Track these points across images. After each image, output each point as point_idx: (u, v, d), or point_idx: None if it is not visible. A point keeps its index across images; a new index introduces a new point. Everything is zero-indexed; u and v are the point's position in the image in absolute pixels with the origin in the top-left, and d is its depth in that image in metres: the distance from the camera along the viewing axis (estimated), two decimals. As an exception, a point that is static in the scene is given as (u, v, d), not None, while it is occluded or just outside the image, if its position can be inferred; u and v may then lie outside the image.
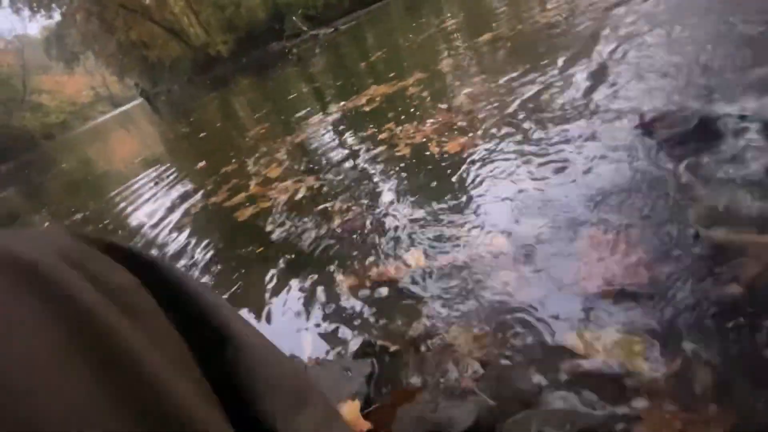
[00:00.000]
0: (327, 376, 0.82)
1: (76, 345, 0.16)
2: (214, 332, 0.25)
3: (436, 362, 0.77)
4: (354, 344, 0.90)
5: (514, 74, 2.13)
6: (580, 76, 1.76)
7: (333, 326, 0.99)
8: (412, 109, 2.31)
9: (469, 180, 1.35)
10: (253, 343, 0.26)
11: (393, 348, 0.84)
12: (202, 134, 4.97)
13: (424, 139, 1.82)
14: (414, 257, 1.09)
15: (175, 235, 2.03)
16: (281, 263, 1.34)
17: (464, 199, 1.26)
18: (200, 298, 0.25)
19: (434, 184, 1.42)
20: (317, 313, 1.06)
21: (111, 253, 0.23)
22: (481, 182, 1.31)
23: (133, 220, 2.66)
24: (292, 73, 7.14)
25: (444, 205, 1.27)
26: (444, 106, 2.15)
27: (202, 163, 3.28)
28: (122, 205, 3.13)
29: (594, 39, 2.14)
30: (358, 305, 1.02)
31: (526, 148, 1.39)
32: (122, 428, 0.15)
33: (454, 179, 1.39)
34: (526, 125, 1.55)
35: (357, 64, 5.03)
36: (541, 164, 1.26)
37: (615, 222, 0.92)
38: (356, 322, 0.97)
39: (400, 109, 2.42)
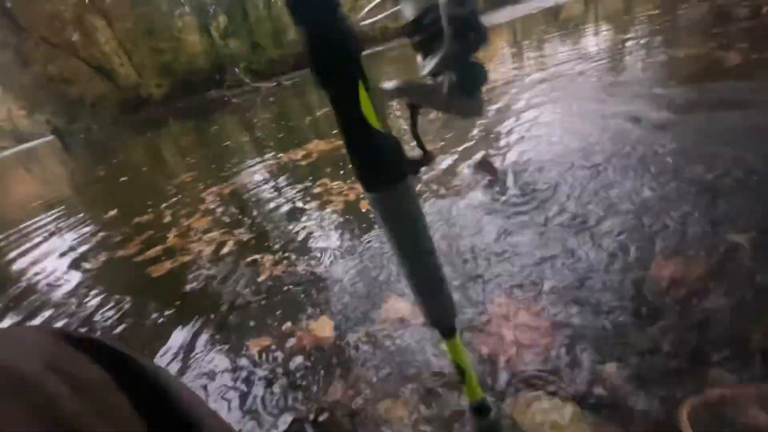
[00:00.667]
0: None
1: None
2: (179, 421, 0.25)
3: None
4: (282, 423, 0.81)
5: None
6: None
7: (257, 400, 0.88)
8: (349, 166, 2.35)
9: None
10: (216, 428, 0.27)
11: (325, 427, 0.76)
12: (121, 178, 4.56)
13: (355, 197, 1.84)
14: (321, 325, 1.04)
15: (72, 291, 1.74)
16: (197, 325, 1.20)
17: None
18: (168, 387, 0.26)
19: (364, 239, 1.42)
20: (238, 384, 0.94)
21: (86, 348, 0.24)
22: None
23: (18, 271, 2.25)
24: (230, 122, 7.04)
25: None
26: None
27: (113, 212, 2.97)
28: (6, 251, 2.66)
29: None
30: (281, 373, 0.92)
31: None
32: None
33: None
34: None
35: (296, 119, 5.12)
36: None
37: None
38: (282, 394, 0.87)
39: (334, 166, 2.47)
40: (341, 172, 2.27)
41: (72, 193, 4.77)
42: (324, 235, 1.56)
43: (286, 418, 0.81)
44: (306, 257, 1.43)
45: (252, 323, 1.14)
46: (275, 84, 13.19)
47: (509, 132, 2.09)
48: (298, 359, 0.96)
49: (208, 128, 6.96)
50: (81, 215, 3.15)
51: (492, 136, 2.12)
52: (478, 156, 1.72)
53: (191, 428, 0.25)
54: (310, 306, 1.14)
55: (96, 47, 20.83)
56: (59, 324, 1.48)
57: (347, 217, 1.67)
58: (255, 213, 2.09)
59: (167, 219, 2.38)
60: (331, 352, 0.95)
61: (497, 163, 1.70)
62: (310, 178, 2.34)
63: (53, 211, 3.55)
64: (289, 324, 1.09)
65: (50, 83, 21.04)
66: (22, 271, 2.22)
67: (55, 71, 20.58)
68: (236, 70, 17.34)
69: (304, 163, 2.75)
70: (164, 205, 2.68)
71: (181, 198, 2.76)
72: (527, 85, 3.01)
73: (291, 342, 1.02)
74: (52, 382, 0.19)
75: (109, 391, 0.23)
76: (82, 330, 1.39)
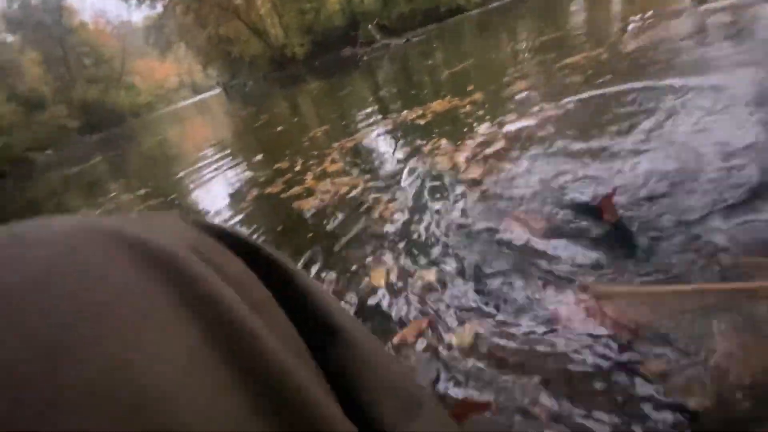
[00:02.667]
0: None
1: (218, 348, 0.15)
2: (322, 326, 0.23)
3: (508, 381, 0.75)
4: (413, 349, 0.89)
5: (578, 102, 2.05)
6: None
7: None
8: (464, 128, 2.30)
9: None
10: (362, 341, 0.24)
11: (458, 360, 0.82)
12: (265, 127, 5.27)
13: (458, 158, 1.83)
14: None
15: (230, 216, 2.17)
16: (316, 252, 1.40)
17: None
18: (308, 289, 0.24)
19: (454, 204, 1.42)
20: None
21: (224, 240, 0.22)
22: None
23: (195, 199, 2.88)
24: (359, 79, 7.38)
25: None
26: (486, 130, 2.13)
27: (259, 156, 3.48)
28: (187, 183, 3.40)
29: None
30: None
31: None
32: None
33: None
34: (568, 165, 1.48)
35: (422, 77, 5.09)
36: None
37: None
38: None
39: (448, 126, 2.44)
40: (451, 134, 2.25)
41: (231, 138, 5.74)
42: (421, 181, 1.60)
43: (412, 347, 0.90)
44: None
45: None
46: (405, 40, 13.15)
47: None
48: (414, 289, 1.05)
49: (339, 85, 7.43)
50: (238, 158, 3.80)
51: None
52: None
53: (335, 334, 0.23)
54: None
55: (254, 10, 23.54)
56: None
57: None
58: (376, 163, 2.25)
59: (303, 165, 2.72)
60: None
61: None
62: (426, 136, 2.38)
63: (218, 153, 4.34)
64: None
65: (220, 42, 24.79)
66: (195, 197, 2.83)
67: (224, 32, 24.07)
68: (369, 27, 17.76)
69: (421, 122, 2.78)
70: (301, 153, 3.04)
71: (314, 148, 3.08)
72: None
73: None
74: (194, 262, 0.18)
75: (254, 286, 0.21)
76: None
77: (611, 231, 1.04)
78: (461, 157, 1.88)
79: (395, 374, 0.24)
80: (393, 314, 1.01)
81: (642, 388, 0.65)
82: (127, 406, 0.12)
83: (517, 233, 1.14)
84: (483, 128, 2.19)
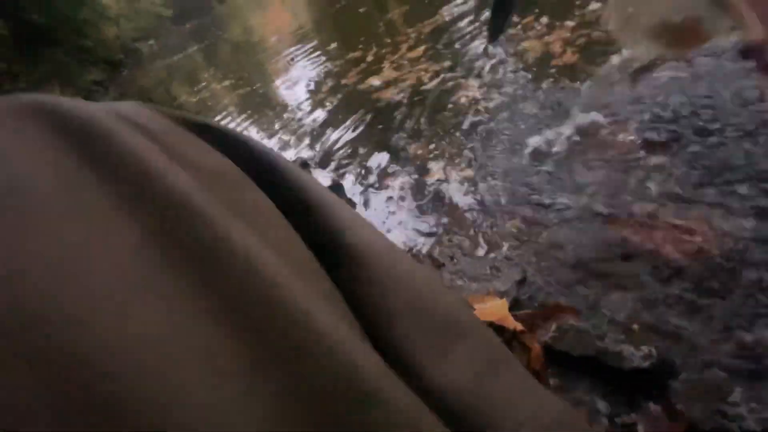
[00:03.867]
0: (473, 267, 0.82)
1: (161, 240, 0.12)
2: (328, 236, 0.18)
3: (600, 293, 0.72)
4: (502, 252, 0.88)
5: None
6: None
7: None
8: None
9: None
10: (381, 255, 0.19)
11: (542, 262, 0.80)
12: (343, 5, 4.95)
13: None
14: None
15: (309, 106, 2.24)
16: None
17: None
18: (311, 191, 0.19)
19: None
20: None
21: (201, 133, 0.18)
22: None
23: (278, 90, 2.98)
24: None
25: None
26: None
27: (335, 44, 3.35)
28: (269, 72, 3.48)
29: None
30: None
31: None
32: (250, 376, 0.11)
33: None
34: None
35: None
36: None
37: None
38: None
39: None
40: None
41: (311, 23, 5.53)
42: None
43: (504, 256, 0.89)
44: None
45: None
46: None
47: None
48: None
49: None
50: (318, 46, 3.71)
51: None
52: None
53: (346, 249, 0.18)
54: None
55: None
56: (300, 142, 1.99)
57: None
58: (457, 46, 2.07)
59: (377, 53, 2.58)
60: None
61: None
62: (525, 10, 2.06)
63: (298, 41, 4.28)
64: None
65: None
66: (283, 91, 2.91)
67: None
68: None
69: None
70: (378, 38, 2.86)
71: (392, 32, 2.87)
72: None
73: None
74: (131, 134, 0.14)
75: (240, 184, 0.17)
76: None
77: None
78: (557, 42, 1.62)
79: (430, 298, 0.19)
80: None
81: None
82: (49, 330, 0.09)
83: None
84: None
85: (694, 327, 0.62)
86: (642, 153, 0.90)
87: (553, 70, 1.44)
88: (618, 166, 0.91)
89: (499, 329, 0.69)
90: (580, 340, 0.67)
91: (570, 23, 1.70)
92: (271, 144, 2.04)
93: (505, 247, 0.88)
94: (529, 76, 1.49)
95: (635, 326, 0.66)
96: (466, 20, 2.40)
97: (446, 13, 2.71)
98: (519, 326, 0.68)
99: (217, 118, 2.87)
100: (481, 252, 0.88)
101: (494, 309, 0.72)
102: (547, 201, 0.92)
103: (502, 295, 0.76)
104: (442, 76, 1.83)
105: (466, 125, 1.37)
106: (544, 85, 1.38)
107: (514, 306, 0.75)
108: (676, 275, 0.68)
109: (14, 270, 0.10)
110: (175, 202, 0.12)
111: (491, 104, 1.41)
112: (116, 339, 0.10)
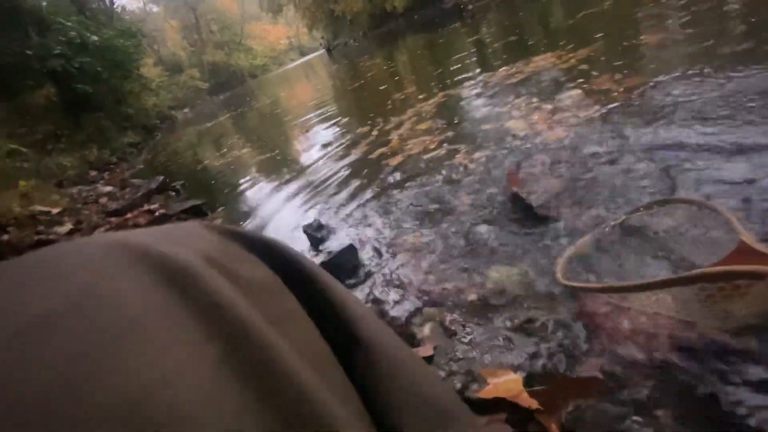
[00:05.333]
0: (483, 338, 0.80)
1: (236, 366, 0.15)
2: (348, 336, 0.22)
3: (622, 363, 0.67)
4: (509, 316, 0.86)
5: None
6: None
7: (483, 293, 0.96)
8: (560, 87, 2.06)
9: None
10: (389, 351, 0.22)
11: (558, 332, 0.77)
12: (359, 85, 5.38)
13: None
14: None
15: (326, 172, 2.35)
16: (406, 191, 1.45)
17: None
18: (335, 295, 0.23)
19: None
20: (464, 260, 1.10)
21: (247, 244, 0.23)
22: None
23: (298, 154, 3.15)
24: (460, 33, 6.97)
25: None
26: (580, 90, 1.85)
27: (351, 117, 3.59)
28: (289, 139, 3.71)
29: None
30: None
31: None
32: None
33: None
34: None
35: (531, 29, 4.60)
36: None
37: None
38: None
39: (545, 84, 2.22)
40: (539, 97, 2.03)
41: (330, 98, 6.01)
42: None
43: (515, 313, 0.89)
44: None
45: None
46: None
47: None
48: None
49: (437, 41, 7.12)
50: (336, 117, 3.99)
51: None
52: None
53: (360, 345, 0.22)
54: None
55: (358, -36, 23.31)
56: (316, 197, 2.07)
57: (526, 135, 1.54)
58: (464, 123, 2.20)
59: (388, 124, 2.77)
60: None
61: None
62: (518, 95, 2.21)
63: (317, 112, 4.61)
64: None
65: (324, 3, 25.37)
66: (294, 152, 3.09)
67: (328, -9, 24.48)
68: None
69: (515, 80, 2.57)
70: (388, 113, 3.07)
71: (405, 108, 3.08)
72: None
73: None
74: (213, 276, 0.18)
75: (277, 293, 0.21)
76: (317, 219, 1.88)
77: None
78: (542, 120, 1.73)
79: (426, 387, 0.22)
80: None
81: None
82: (148, 426, 0.13)
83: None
84: (578, 91, 1.95)
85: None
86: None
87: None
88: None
89: (513, 407, 0.65)
90: (602, 421, 0.62)
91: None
92: (289, 203, 2.11)
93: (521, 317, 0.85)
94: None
95: (660, 412, 0.61)
96: (473, 97, 2.58)
97: (456, 90, 2.93)
98: (535, 404, 0.64)
99: (240, 179, 3.02)
100: (495, 321, 0.85)
101: (508, 385, 0.68)
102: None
103: (516, 369, 0.72)
104: (444, 148, 1.93)
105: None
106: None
107: (529, 381, 0.71)
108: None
109: (141, 386, 0.14)
110: (242, 332, 0.16)
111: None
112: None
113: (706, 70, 1.59)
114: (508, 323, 0.84)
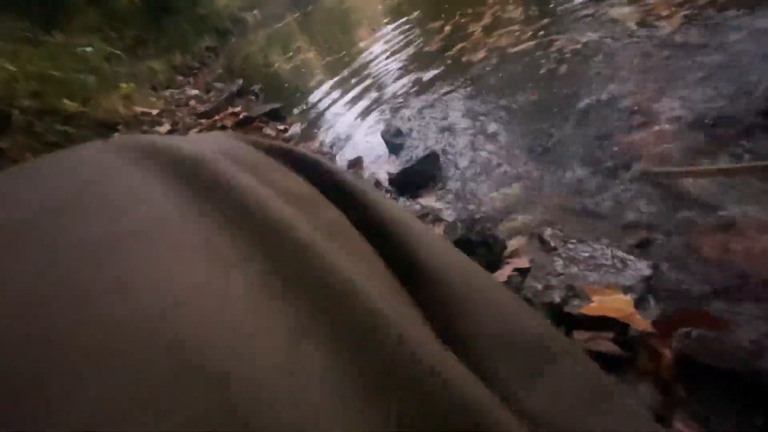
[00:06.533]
0: (587, 255, 0.73)
1: (282, 279, 0.13)
2: (408, 264, 0.18)
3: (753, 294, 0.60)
4: (628, 232, 0.79)
5: None
6: None
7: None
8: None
9: None
10: (460, 281, 0.18)
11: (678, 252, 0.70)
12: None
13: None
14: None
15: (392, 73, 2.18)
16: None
17: None
18: (390, 218, 0.19)
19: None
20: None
21: (284, 157, 0.20)
22: None
23: (368, 55, 2.95)
24: None
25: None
26: None
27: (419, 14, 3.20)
28: (362, 39, 3.47)
29: None
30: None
31: None
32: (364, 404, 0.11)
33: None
34: None
35: None
36: None
37: None
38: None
39: None
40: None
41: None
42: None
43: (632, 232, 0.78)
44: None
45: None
46: None
47: None
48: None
49: None
50: (409, 10, 3.59)
51: None
52: None
53: (424, 273, 0.17)
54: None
55: None
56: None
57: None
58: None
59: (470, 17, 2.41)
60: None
61: None
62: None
63: (389, 5, 4.18)
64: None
65: None
66: (366, 56, 2.89)
67: None
68: None
69: None
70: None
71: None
72: None
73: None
74: (246, 179, 0.15)
75: (321, 205, 0.18)
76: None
77: None
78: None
79: (511, 318, 0.17)
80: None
81: None
82: (184, 355, 0.10)
83: None
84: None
85: None
86: None
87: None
88: None
89: (622, 328, 0.61)
90: (727, 353, 0.55)
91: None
92: (361, 107, 2.04)
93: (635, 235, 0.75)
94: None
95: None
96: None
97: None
98: (648, 326, 0.59)
99: (311, 83, 2.96)
100: (603, 238, 0.77)
101: (618, 304, 0.62)
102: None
103: (626, 291, 0.66)
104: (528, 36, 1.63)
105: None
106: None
107: (640, 307, 0.64)
108: None
109: (170, 302, 0.11)
110: (279, 231, 0.13)
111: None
112: (250, 369, 0.10)
113: None
114: (620, 242, 0.75)
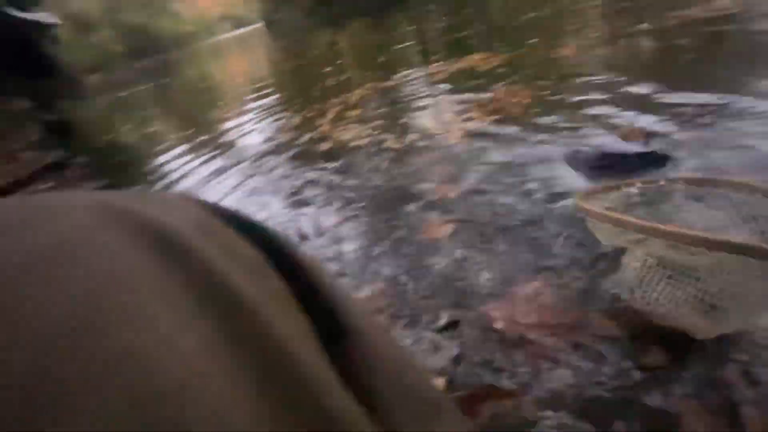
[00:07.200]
0: (413, 344, 0.80)
1: (231, 339, 0.14)
2: (334, 325, 0.21)
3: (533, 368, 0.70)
4: (441, 315, 0.86)
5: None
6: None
7: (415, 284, 0.96)
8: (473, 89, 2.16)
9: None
10: (377, 342, 0.22)
11: (481, 334, 0.79)
12: (299, 64, 5.15)
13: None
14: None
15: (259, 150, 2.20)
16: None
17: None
18: (322, 283, 0.22)
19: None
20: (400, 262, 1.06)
21: (233, 224, 0.21)
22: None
23: (226, 135, 2.92)
24: (406, 21, 6.96)
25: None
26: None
27: (288, 99, 3.43)
28: (219, 114, 3.44)
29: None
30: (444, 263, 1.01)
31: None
32: None
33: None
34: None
35: (471, 27, 4.72)
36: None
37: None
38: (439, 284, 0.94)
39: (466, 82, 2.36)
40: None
41: (270, 76, 5.68)
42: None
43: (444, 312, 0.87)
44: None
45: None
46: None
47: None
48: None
49: (383, 28, 7.05)
50: (271, 95, 3.77)
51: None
52: None
53: (347, 335, 0.21)
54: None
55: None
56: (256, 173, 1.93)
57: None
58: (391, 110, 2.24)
59: (328, 108, 2.70)
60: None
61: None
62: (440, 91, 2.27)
63: (253, 88, 4.33)
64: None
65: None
66: (223, 128, 2.87)
67: (268, -39, 22.96)
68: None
69: (441, 77, 2.66)
70: (329, 96, 2.98)
71: (339, 93, 3.02)
72: None
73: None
74: (207, 246, 0.17)
75: (267, 274, 0.20)
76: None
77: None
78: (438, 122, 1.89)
79: (413, 379, 0.22)
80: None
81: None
82: (143, 398, 0.11)
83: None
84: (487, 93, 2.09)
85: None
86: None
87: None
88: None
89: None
90: (516, 425, 0.64)
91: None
92: (211, 183, 1.95)
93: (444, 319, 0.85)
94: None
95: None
96: (400, 90, 2.58)
97: (389, 81, 2.91)
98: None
99: (157, 156, 2.72)
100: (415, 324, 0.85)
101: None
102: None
103: (439, 374, 0.72)
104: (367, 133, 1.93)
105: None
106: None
107: (449, 386, 0.71)
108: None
109: (128, 351, 0.12)
110: (238, 303, 0.15)
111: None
112: (199, 411, 0.12)
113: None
114: (432, 325, 0.85)
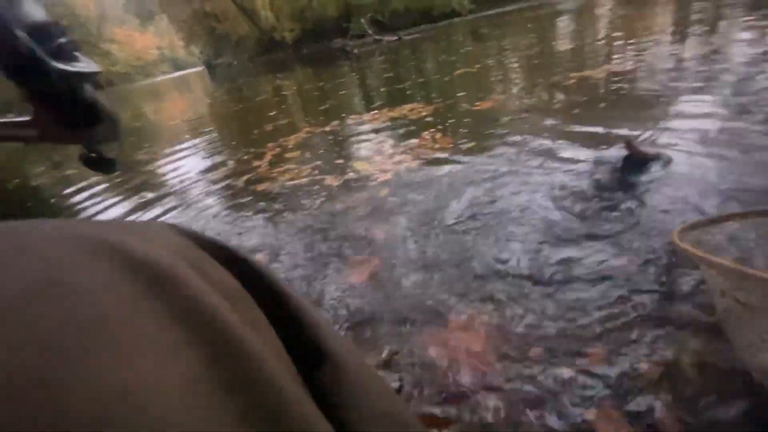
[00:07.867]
0: None
1: (217, 371, 0.14)
2: (312, 350, 0.22)
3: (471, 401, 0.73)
4: (381, 352, 0.87)
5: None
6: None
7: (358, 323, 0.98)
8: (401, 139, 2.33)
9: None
10: (352, 367, 0.23)
11: (419, 370, 0.81)
12: (241, 109, 5.14)
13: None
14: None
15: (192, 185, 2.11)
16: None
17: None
18: (300, 309, 0.23)
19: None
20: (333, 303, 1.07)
21: (214, 252, 0.22)
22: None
23: (162, 175, 2.78)
24: (346, 73, 7.31)
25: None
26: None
27: (229, 144, 3.38)
28: (155, 156, 3.27)
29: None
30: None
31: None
32: None
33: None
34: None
35: (404, 79, 5.09)
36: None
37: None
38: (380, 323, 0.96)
39: (398, 131, 2.54)
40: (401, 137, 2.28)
41: (206, 116, 5.57)
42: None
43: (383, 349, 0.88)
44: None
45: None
46: (397, 38, 13.11)
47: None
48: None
49: (325, 76, 7.34)
50: (209, 136, 3.68)
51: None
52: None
53: (325, 360, 0.22)
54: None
55: (245, -12, 22.91)
56: (181, 214, 1.83)
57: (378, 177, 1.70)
58: (333, 155, 2.31)
59: (266, 151, 2.70)
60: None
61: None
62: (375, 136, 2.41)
63: (190, 130, 4.20)
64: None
65: (205, 19, 24.03)
66: (162, 172, 2.73)
67: (210, 8, 23.31)
68: (362, 20, 17.63)
69: (373, 126, 2.81)
70: (269, 142, 2.99)
71: (278, 137, 3.04)
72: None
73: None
74: (191, 276, 0.17)
75: (249, 303, 0.20)
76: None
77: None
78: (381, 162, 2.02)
79: (386, 402, 0.23)
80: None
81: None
82: None
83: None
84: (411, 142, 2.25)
85: None
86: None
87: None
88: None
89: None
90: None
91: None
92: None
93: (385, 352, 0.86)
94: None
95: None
96: (340, 136, 2.68)
97: (335, 127, 3.01)
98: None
99: (76, 200, 2.49)
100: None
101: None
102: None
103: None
104: (306, 175, 1.98)
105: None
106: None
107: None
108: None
109: (111, 392, 0.12)
110: (224, 335, 0.15)
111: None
112: None
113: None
114: (373, 360, 0.84)
